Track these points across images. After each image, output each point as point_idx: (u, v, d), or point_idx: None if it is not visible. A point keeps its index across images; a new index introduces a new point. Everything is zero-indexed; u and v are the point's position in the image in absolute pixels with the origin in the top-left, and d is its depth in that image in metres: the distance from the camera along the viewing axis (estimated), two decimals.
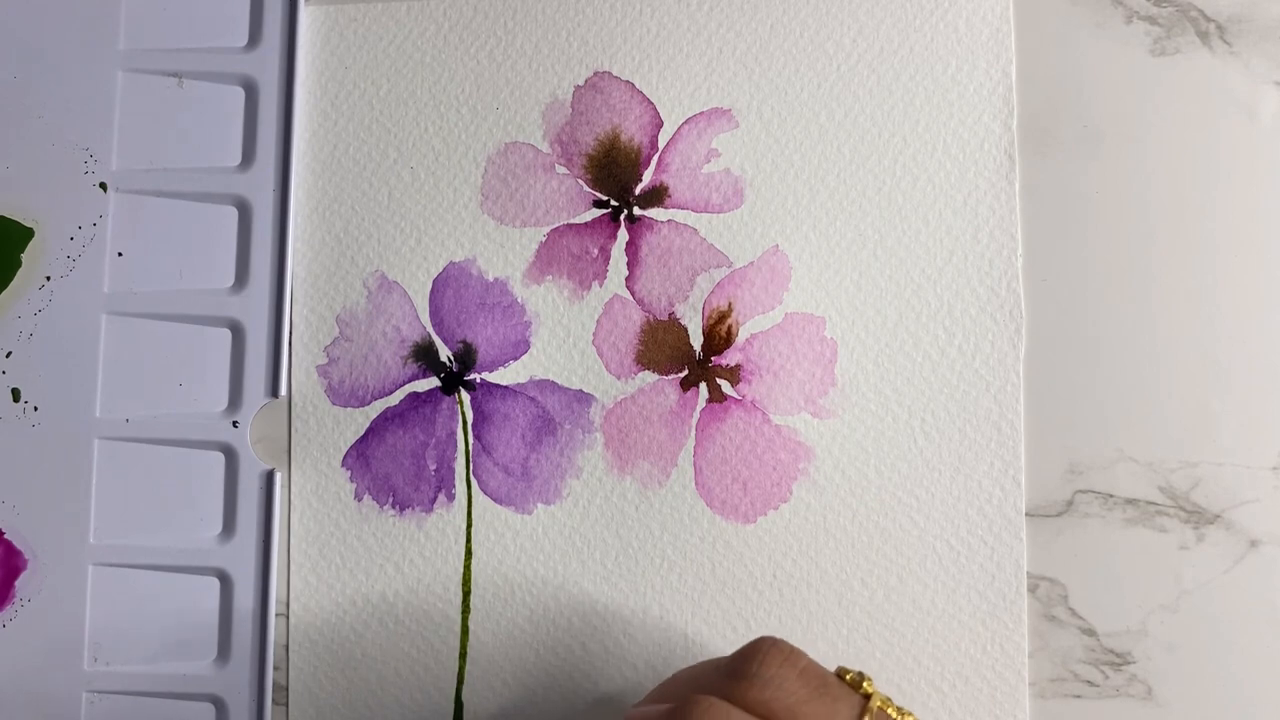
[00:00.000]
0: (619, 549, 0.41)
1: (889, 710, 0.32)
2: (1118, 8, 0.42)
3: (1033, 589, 0.40)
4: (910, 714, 0.32)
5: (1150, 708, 0.39)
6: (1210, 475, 0.40)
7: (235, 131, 0.43)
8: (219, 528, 0.42)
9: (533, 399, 0.41)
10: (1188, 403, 0.40)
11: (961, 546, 0.40)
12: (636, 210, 0.42)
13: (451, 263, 0.42)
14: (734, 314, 0.41)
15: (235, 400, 0.42)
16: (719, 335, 0.41)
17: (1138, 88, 0.41)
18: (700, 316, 0.41)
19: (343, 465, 0.42)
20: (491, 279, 0.42)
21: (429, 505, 0.41)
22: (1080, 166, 0.41)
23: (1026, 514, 0.40)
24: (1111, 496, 0.40)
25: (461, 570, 0.41)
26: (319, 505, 0.42)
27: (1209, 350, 0.40)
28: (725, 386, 0.41)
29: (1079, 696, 0.40)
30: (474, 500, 0.41)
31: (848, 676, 0.32)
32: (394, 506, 0.42)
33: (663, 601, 0.40)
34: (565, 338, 0.42)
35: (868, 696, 0.32)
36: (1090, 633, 0.40)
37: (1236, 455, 0.40)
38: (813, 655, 0.39)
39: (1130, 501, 0.40)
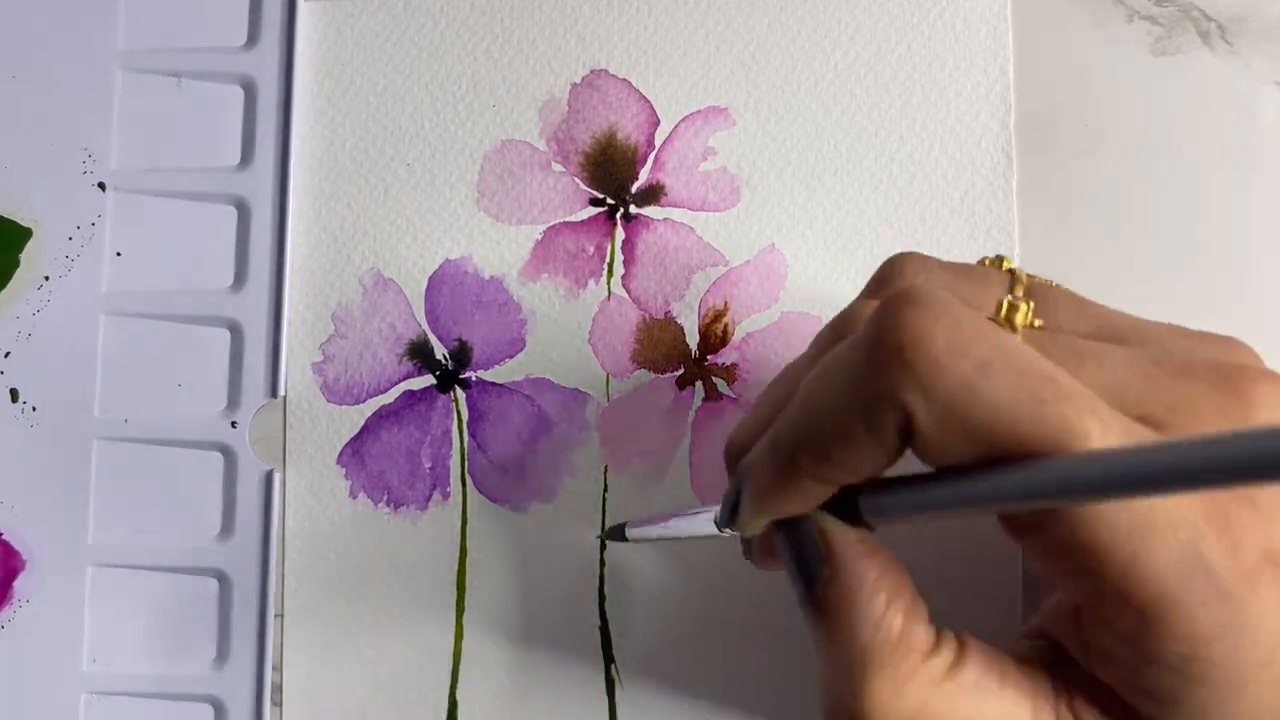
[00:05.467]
0: (614, 547, 0.41)
1: (1036, 280, 0.31)
2: (1118, 7, 0.41)
3: (1032, 589, 0.40)
4: (1058, 285, 0.32)
5: None
6: None
7: (234, 131, 0.43)
8: (218, 528, 0.42)
9: (528, 397, 0.41)
10: None
11: (956, 544, 0.39)
12: (633, 208, 0.42)
13: (447, 260, 0.42)
14: (730, 313, 0.41)
15: (234, 401, 0.42)
16: (715, 334, 0.41)
17: (1138, 87, 0.41)
18: (696, 315, 0.41)
19: (338, 463, 0.42)
20: (487, 276, 0.42)
21: (424, 503, 0.41)
22: (1079, 166, 0.41)
23: None
24: None
25: (456, 568, 0.41)
26: (313, 503, 0.42)
27: None
28: (721, 385, 0.41)
29: None
30: (469, 498, 0.41)
31: (987, 261, 0.32)
32: (389, 504, 0.41)
33: (659, 600, 0.40)
34: (561, 336, 0.42)
35: (1012, 271, 0.31)
36: None
37: None
38: (806, 652, 0.38)
39: None
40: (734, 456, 0.33)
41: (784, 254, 0.41)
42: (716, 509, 0.34)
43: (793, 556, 0.30)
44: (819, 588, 0.29)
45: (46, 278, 0.43)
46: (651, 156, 0.42)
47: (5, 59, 0.44)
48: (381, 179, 0.43)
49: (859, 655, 0.28)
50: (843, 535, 0.29)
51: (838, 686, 0.29)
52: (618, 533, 0.38)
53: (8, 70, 0.44)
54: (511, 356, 0.42)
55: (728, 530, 0.32)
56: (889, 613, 0.28)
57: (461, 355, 0.42)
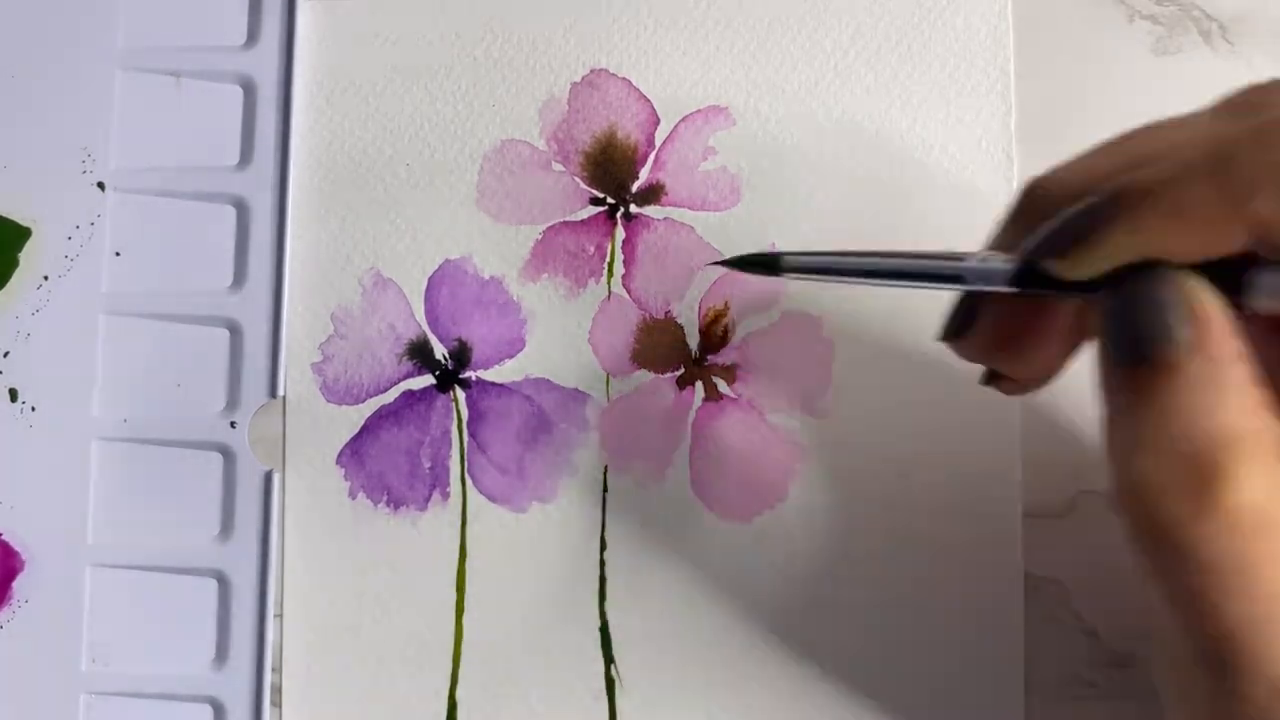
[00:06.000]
0: (614, 548, 0.41)
1: None
2: (1119, 6, 0.41)
3: (1035, 590, 0.40)
4: None
5: (1153, 709, 0.39)
6: None
7: (233, 131, 0.43)
8: (217, 529, 0.42)
9: (528, 397, 0.41)
10: None
11: (958, 545, 0.39)
12: (633, 208, 0.42)
13: (447, 260, 0.42)
14: (730, 313, 0.41)
15: (233, 401, 0.42)
16: (715, 334, 0.41)
17: (1139, 87, 0.41)
18: (696, 315, 0.41)
19: (337, 463, 0.42)
20: (487, 276, 0.42)
21: (423, 504, 0.41)
22: None
23: (1029, 515, 0.40)
24: None
25: (456, 569, 0.41)
26: (313, 503, 0.42)
27: None
28: (721, 385, 0.41)
29: (1080, 698, 0.39)
30: (468, 498, 0.41)
31: None
32: (388, 505, 0.41)
33: (659, 600, 0.40)
34: (561, 336, 0.42)
35: None
36: (1092, 634, 0.40)
37: None
38: (806, 653, 0.39)
39: None
40: (1052, 197, 0.31)
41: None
42: (918, 260, 0.32)
43: (1131, 309, 0.27)
44: (1170, 350, 0.26)
45: (46, 277, 0.43)
46: (651, 156, 0.42)
47: (5, 58, 0.44)
48: (381, 179, 0.43)
49: (1218, 432, 0.25)
50: (1215, 303, 0.26)
51: (1168, 463, 0.26)
52: (769, 262, 0.32)
53: (7, 70, 0.44)
54: (511, 356, 0.42)
55: (953, 287, 0.30)
56: (1254, 399, 0.26)
57: (461, 355, 0.42)
